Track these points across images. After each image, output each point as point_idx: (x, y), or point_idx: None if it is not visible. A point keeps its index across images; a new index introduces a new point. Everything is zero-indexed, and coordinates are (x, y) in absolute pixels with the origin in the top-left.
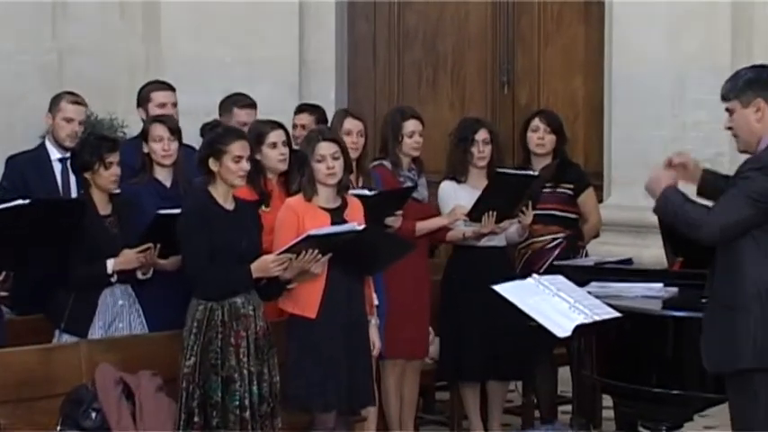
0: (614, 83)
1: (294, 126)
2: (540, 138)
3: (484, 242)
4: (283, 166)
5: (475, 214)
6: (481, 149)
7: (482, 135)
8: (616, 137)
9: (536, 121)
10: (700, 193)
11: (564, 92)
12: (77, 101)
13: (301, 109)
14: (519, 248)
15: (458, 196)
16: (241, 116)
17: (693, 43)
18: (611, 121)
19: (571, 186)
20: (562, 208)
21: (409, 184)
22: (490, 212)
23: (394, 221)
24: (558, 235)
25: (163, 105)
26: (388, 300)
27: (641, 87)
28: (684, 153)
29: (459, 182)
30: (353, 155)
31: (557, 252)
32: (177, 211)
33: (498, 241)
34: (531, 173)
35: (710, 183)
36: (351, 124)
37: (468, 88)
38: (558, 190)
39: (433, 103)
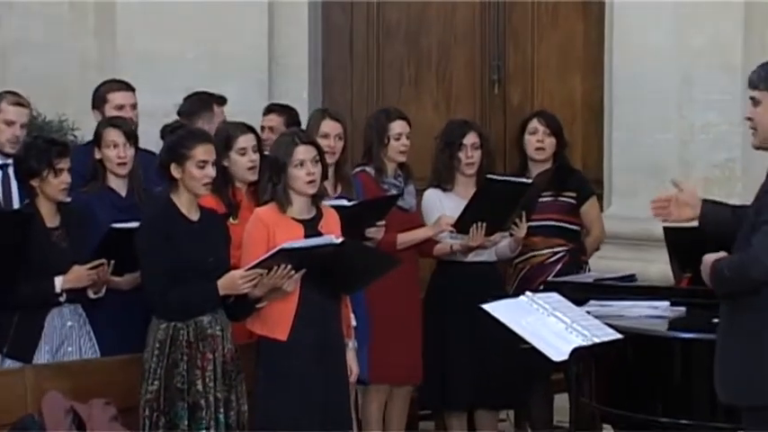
0: (615, 81)
1: (262, 128)
2: (539, 141)
3: (471, 257)
4: (253, 176)
5: (461, 225)
6: (470, 155)
7: (470, 139)
8: (617, 140)
9: (534, 123)
10: (700, 226)
11: (560, 91)
12: (19, 101)
13: (270, 109)
14: (516, 263)
15: (443, 206)
16: (219, 116)
17: (702, 38)
18: (611, 123)
19: (573, 195)
20: (564, 218)
21: (394, 191)
22: (479, 224)
23: (375, 233)
24: (560, 248)
25: (121, 107)
26: (374, 319)
27: (645, 86)
28: (688, 186)
29: (445, 190)
30: (330, 160)
31: (558, 267)
32: (134, 224)
33: (488, 256)
34: (524, 180)
35: (711, 215)
36: (329, 126)
37: (455, 87)
38: (560, 199)
39: (416, 103)
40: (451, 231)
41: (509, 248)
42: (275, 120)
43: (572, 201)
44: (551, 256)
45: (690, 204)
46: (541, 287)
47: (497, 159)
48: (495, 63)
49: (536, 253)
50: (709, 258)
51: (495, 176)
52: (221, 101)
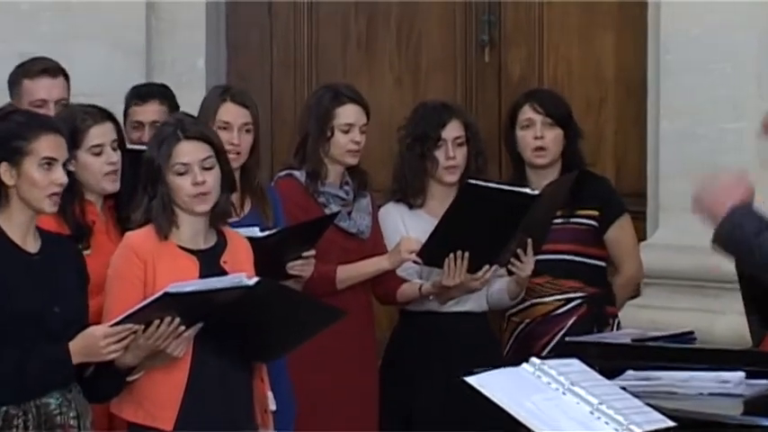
0: (664, 47)
1: (135, 125)
2: (536, 138)
3: (451, 305)
4: (112, 185)
5: (430, 253)
6: (450, 154)
7: (452, 131)
8: (667, 133)
9: (527, 111)
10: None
11: (583, 60)
12: None
13: (146, 93)
14: (509, 315)
15: (408, 227)
16: (36, 92)
17: None
18: (658, 107)
19: (594, 214)
20: (580, 250)
21: (334, 207)
22: (458, 253)
23: (302, 269)
24: (574, 294)
25: None
26: (303, 400)
27: (707, 53)
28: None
29: (411, 206)
30: (235, 162)
31: (571, 322)
32: None
33: (475, 304)
34: (527, 190)
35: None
36: (231, 113)
37: (427, 53)
38: (575, 221)
39: (368, 76)
40: (417, 262)
41: (508, 293)
42: (155, 110)
43: (592, 223)
44: (561, 306)
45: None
46: (546, 351)
47: (490, 161)
48: (485, 18)
49: (538, 300)
50: (729, 188)
51: (480, 182)
52: (37, 69)
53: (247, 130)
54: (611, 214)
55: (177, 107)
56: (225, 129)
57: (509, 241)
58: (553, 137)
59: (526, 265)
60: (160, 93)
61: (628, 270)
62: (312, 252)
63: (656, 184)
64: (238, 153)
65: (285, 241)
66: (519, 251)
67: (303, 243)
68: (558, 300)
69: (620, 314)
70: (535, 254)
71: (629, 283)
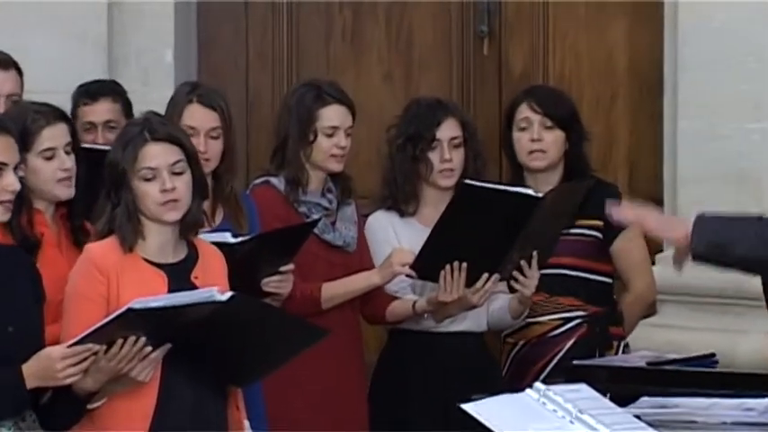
0: (683, 39)
1: (88, 127)
2: (533, 140)
3: (447, 324)
4: (65, 192)
5: (424, 266)
6: (446, 156)
7: (447, 131)
8: (685, 133)
9: (523, 110)
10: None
11: (593, 53)
12: None
13: (96, 92)
14: (504, 336)
15: (399, 238)
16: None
17: None
18: (675, 104)
19: (598, 224)
20: (580, 263)
21: (315, 215)
22: (455, 264)
23: (279, 284)
24: (574, 313)
25: None
26: (282, 428)
27: (729, 48)
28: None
29: (403, 214)
30: (205, 167)
31: (569, 344)
32: None
33: (473, 322)
34: (530, 192)
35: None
36: (197, 116)
37: (420, 45)
38: (575, 231)
39: (355, 72)
40: (411, 277)
41: (510, 312)
42: (107, 109)
43: (595, 234)
44: (558, 326)
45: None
46: (543, 375)
47: (490, 164)
48: (483, 6)
49: (534, 320)
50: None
51: (477, 183)
52: (4, 63)
53: (215, 137)
54: (617, 224)
55: (130, 105)
56: (191, 134)
57: (511, 249)
58: (552, 139)
59: (530, 280)
60: (112, 90)
61: (637, 287)
62: (290, 266)
63: (673, 189)
64: (207, 160)
65: (260, 251)
66: (523, 264)
67: (280, 255)
68: (556, 319)
69: (631, 335)
70: (541, 267)
71: (640, 301)
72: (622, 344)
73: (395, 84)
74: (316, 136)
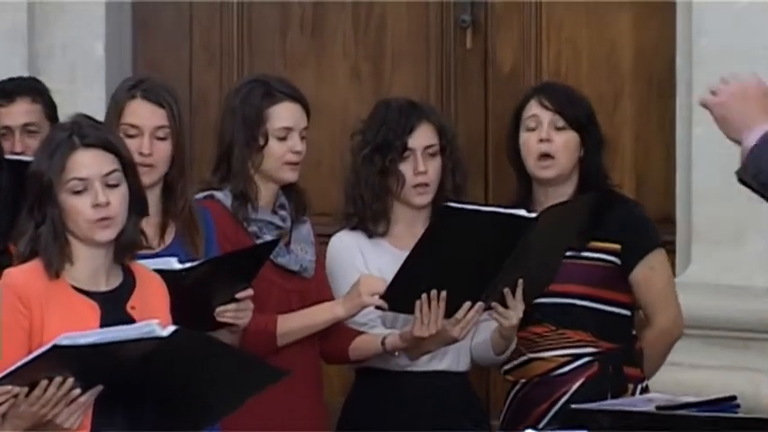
0: (698, 27)
1: (3, 132)
2: (543, 141)
3: (422, 363)
4: None
5: (397, 297)
6: (420, 168)
7: (422, 138)
8: (702, 141)
9: (532, 106)
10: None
11: (593, 45)
12: None
13: (7, 91)
14: (504, 372)
15: (367, 263)
16: None
17: None
18: (690, 107)
19: (615, 248)
20: (592, 292)
21: (268, 236)
22: (432, 294)
23: (237, 314)
24: (584, 349)
25: None
26: None
27: (753, 38)
28: None
29: (371, 234)
30: (148, 177)
31: (577, 384)
32: None
33: (453, 359)
34: (521, 212)
35: None
36: (140, 114)
37: (392, 37)
38: (587, 255)
39: (316, 67)
40: (381, 308)
41: (492, 345)
42: (25, 111)
43: (612, 259)
44: (565, 364)
45: None
46: (546, 420)
47: (475, 176)
48: None
49: (537, 356)
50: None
51: (458, 205)
52: None
53: (161, 137)
54: (638, 248)
55: (54, 106)
56: (134, 135)
57: (497, 275)
58: (563, 142)
59: (513, 311)
60: (31, 88)
61: (661, 321)
62: (249, 292)
63: (687, 206)
64: (151, 165)
65: (212, 277)
66: (505, 292)
67: (236, 280)
68: (562, 356)
69: (646, 378)
70: (535, 297)
71: (664, 338)
72: (640, 387)
73: (362, 82)
74: (266, 140)
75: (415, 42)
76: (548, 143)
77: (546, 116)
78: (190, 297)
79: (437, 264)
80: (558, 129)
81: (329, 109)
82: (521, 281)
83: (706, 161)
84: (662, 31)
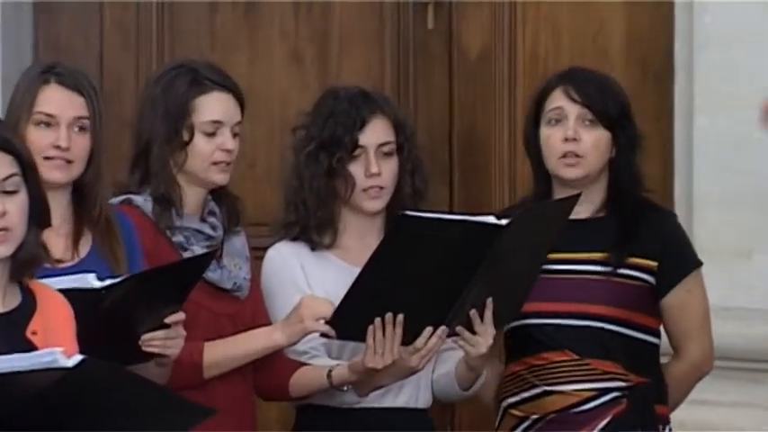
0: (701, 5)
1: None
2: (567, 138)
3: (375, 399)
4: None
5: (345, 321)
6: (373, 169)
7: (375, 134)
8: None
9: (557, 98)
10: None
11: (577, 25)
12: None
13: None
14: (506, 406)
15: (311, 280)
16: None
17: None
18: (691, 96)
19: (653, 265)
20: (624, 316)
21: (196, 248)
22: (387, 318)
23: (166, 342)
24: (611, 383)
25: None
26: None
27: (764, 18)
28: None
29: (315, 247)
30: (64, 175)
31: (604, 422)
32: None
33: (411, 394)
34: (489, 219)
35: None
36: (55, 102)
37: (340, 15)
38: (623, 272)
39: (249, 50)
40: (327, 336)
41: (457, 378)
42: None
43: (647, 279)
44: (589, 399)
45: None
46: None
47: (437, 179)
48: None
49: (554, 388)
50: None
51: (417, 214)
52: None
53: (81, 128)
54: (678, 268)
55: None
56: (47, 125)
57: (463, 294)
58: (593, 141)
59: (482, 337)
60: None
61: (692, 353)
62: (180, 316)
63: (689, 213)
64: (69, 161)
65: (137, 297)
66: (472, 315)
67: (165, 301)
68: (586, 390)
69: (672, 416)
70: (509, 320)
71: (693, 373)
72: (668, 428)
73: (304, 67)
74: (191, 136)
75: (367, 21)
76: (574, 143)
77: (573, 110)
78: (110, 321)
79: (393, 282)
80: (587, 125)
81: (265, 100)
82: (490, 300)
83: (709, 160)
84: (658, 9)
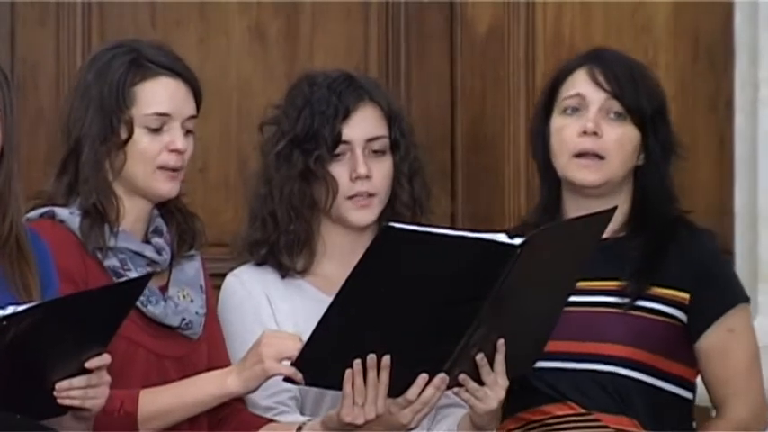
0: None
1: None
2: (584, 132)
3: None
4: None
5: (316, 363)
6: (361, 170)
7: (362, 128)
8: None
9: (577, 81)
10: None
11: (608, 5)
12: None
13: None
14: None
15: (278, 312)
16: None
17: None
18: (756, 86)
19: (684, 298)
20: (644, 359)
21: (134, 272)
22: (369, 361)
23: (87, 391)
24: None
25: None
26: None
27: None
28: None
29: (286, 272)
30: None
31: None
32: None
33: None
34: (500, 238)
35: None
36: None
37: None
38: (642, 305)
39: (201, 26)
40: (294, 381)
41: None
42: None
43: (676, 314)
44: None
45: None
46: None
47: (438, 184)
48: None
49: None
50: None
51: (406, 226)
52: None
53: None
54: (715, 302)
55: None
56: None
57: (464, 333)
58: (617, 138)
59: (490, 388)
60: None
61: (738, 410)
62: (104, 359)
63: (752, 229)
64: None
65: (48, 331)
66: (479, 360)
67: (85, 339)
68: None
69: None
70: (525, 367)
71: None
72: None
73: (270, 47)
74: (130, 132)
75: None
76: (594, 137)
77: (597, 98)
78: (14, 362)
79: (376, 313)
80: (613, 117)
81: (221, 88)
82: (502, 342)
83: None
84: None
